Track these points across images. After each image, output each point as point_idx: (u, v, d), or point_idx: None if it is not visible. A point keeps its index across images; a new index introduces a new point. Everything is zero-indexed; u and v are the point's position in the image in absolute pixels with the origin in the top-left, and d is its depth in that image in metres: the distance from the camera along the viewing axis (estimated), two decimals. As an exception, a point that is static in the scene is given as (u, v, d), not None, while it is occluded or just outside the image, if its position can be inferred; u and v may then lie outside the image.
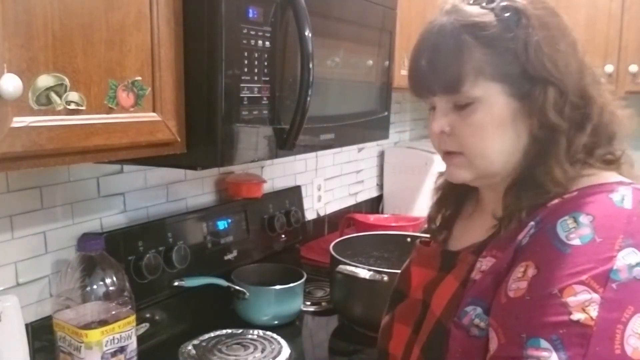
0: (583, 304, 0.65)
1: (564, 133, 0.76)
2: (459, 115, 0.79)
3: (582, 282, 0.66)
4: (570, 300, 0.65)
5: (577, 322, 0.64)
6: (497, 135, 0.78)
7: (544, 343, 0.66)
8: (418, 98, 0.84)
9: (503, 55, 0.75)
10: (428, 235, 0.99)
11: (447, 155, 0.83)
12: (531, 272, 0.70)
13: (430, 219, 0.97)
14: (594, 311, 0.64)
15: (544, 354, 0.65)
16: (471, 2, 0.78)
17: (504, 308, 0.72)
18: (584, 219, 0.69)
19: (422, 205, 2.37)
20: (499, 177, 0.81)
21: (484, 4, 0.77)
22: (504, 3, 0.76)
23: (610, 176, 0.76)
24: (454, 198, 0.95)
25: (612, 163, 0.78)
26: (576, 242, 0.68)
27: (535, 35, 0.74)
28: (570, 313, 0.65)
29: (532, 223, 0.73)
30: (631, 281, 0.65)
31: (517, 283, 0.71)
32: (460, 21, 0.77)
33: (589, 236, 0.68)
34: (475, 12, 0.76)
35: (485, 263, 0.77)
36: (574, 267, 0.67)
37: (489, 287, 0.75)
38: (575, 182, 0.75)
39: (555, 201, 0.73)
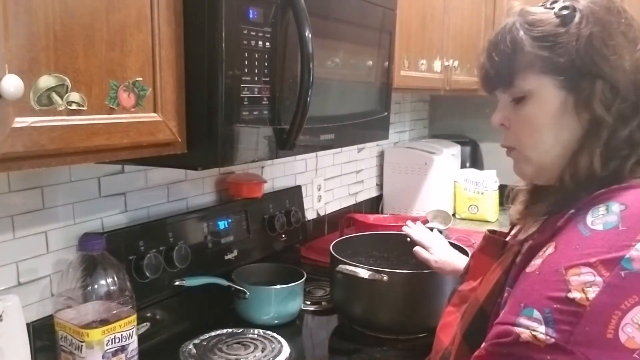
0: (584, 284, 0.66)
1: (607, 127, 0.77)
2: (515, 109, 0.83)
3: (589, 264, 0.67)
4: (573, 279, 0.67)
5: (572, 300, 0.66)
6: (546, 128, 0.80)
7: (536, 314, 0.68)
8: (487, 94, 0.88)
9: (554, 49, 0.77)
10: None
11: (507, 151, 0.87)
12: (549, 250, 0.72)
13: (513, 216, 0.98)
14: (592, 293, 0.65)
15: (534, 324, 0.67)
16: (539, 4, 0.82)
17: (518, 282, 0.75)
18: (616, 207, 0.70)
19: (421, 205, 2.37)
20: (557, 170, 0.82)
21: (548, 5, 0.81)
22: (566, 3, 0.79)
23: None
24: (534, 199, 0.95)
25: None
26: (599, 227, 0.70)
27: (587, 30, 0.76)
28: (568, 290, 0.66)
29: (572, 211, 0.75)
30: None
31: (536, 260, 0.73)
32: (521, 20, 0.81)
33: (613, 223, 0.69)
34: (537, 11, 0.81)
35: (525, 247, 0.80)
36: (588, 249, 0.68)
37: (521, 268, 0.77)
38: (624, 181, 0.75)
39: (601, 190, 0.74)
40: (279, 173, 1.84)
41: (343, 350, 1.38)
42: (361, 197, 2.37)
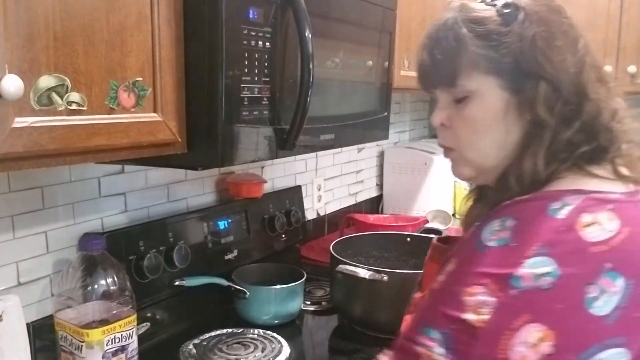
0: (478, 305, 0.65)
1: (550, 129, 0.75)
2: (457, 108, 0.80)
3: (483, 284, 0.66)
4: (468, 299, 0.66)
5: (467, 321, 0.65)
6: (489, 129, 0.78)
7: (435, 334, 0.68)
8: (424, 92, 0.86)
9: (498, 49, 0.75)
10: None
11: (445, 151, 0.85)
12: (450, 266, 0.71)
13: (461, 221, 0.97)
14: (485, 314, 0.65)
15: (432, 344, 0.67)
16: (479, 0, 0.80)
17: (424, 298, 0.75)
18: (509, 222, 0.69)
19: (421, 205, 2.37)
20: (496, 172, 0.81)
21: (488, 1, 0.79)
22: (507, 0, 0.77)
23: (581, 182, 0.73)
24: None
25: (599, 163, 0.76)
26: (492, 243, 0.68)
27: (531, 30, 0.74)
28: (464, 311, 0.66)
29: (477, 223, 0.73)
30: (534, 290, 0.64)
31: (440, 276, 0.73)
32: (462, 16, 0.78)
33: (505, 240, 0.67)
34: (478, 7, 0.78)
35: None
36: (482, 267, 0.67)
37: None
38: (546, 185, 0.74)
39: (506, 202, 0.72)
40: (279, 173, 1.84)
41: (343, 350, 1.38)
42: (361, 197, 2.37)
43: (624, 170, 0.76)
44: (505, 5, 0.77)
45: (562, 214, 0.68)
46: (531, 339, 0.63)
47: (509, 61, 0.75)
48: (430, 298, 0.73)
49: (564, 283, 0.64)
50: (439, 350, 0.67)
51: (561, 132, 0.75)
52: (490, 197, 0.81)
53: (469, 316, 0.65)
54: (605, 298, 0.64)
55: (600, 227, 0.67)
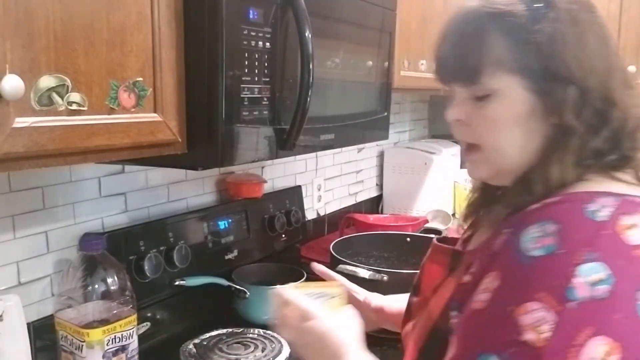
0: (536, 322, 0.61)
1: (577, 136, 0.71)
2: (476, 106, 0.75)
3: (537, 299, 0.61)
4: (524, 318, 0.61)
5: (527, 342, 0.60)
6: (512, 131, 0.74)
7: (493, 359, 0.63)
8: (440, 84, 0.81)
9: (526, 48, 0.71)
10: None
11: (467, 150, 0.80)
12: (494, 283, 0.67)
13: (462, 218, 0.92)
14: (546, 332, 0.60)
15: None
16: None
17: (466, 318, 0.70)
18: (551, 227, 0.64)
19: (421, 205, 2.37)
20: (514, 174, 0.77)
21: None
22: None
23: (608, 185, 0.70)
24: (487, 200, 0.88)
25: (622, 170, 0.72)
26: (537, 252, 0.63)
27: (562, 29, 0.70)
28: (521, 332, 0.61)
29: (507, 230, 0.69)
30: (591, 300, 0.60)
31: (481, 295, 0.68)
32: (487, 8, 0.73)
33: (551, 247, 0.63)
34: (506, 1, 0.72)
35: (475, 266, 0.74)
36: (532, 281, 0.63)
37: (469, 292, 0.71)
38: (570, 188, 0.70)
39: (535, 206, 0.69)
40: (279, 173, 1.84)
41: (343, 350, 1.38)
42: (361, 197, 2.37)
43: None
44: (535, 0, 0.71)
45: (602, 216, 0.64)
46: (598, 355, 0.59)
47: (537, 62, 0.71)
48: (476, 320, 0.67)
49: (618, 291, 0.60)
50: None
51: (589, 139, 0.71)
52: (508, 199, 0.75)
53: (529, 336, 0.60)
54: None
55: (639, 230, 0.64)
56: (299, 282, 0.93)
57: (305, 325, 0.84)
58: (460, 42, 0.76)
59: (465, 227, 0.91)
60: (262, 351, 1.28)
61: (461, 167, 2.56)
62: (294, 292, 0.89)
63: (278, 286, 1.41)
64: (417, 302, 0.89)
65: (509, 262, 0.67)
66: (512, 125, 0.74)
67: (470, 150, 0.79)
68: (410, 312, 0.92)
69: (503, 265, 0.67)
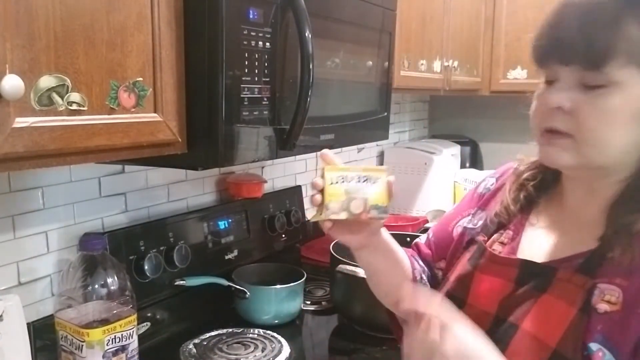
0: None
1: None
2: (586, 95, 0.69)
3: None
4: None
5: None
6: (622, 128, 0.69)
7: None
8: (537, 65, 0.75)
9: None
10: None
11: (549, 133, 0.73)
12: None
13: (513, 204, 0.85)
14: None
15: None
16: None
17: None
18: None
19: (421, 205, 2.38)
20: (603, 174, 0.74)
21: None
22: None
23: None
24: (529, 199, 0.83)
25: None
26: None
27: None
28: None
29: None
30: None
31: None
32: None
33: None
34: None
35: (609, 292, 0.68)
36: None
37: (617, 326, 0.66)
38: None
39: None
40: (279, 173, 1.84)
41: (343, 350, 1.38)
42: (361, 197, 2.36)
43: None
44: None
45: None
46: None
47: None
48: None
49: None
50: None
51: None
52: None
53: None
54: None
55: None
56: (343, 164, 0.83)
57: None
58: (592, 24, 0.68)
59: (514, 212, 0.84)
60: (262, 351, 1.28)
61: (461, 167, 2.56)
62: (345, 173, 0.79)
63: (278, 286, 1.42)
64: (467, 317, 0.76)
65: None
66: (625, 122, 0.69)
67: (555, 136, 0.73)
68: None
69: None
